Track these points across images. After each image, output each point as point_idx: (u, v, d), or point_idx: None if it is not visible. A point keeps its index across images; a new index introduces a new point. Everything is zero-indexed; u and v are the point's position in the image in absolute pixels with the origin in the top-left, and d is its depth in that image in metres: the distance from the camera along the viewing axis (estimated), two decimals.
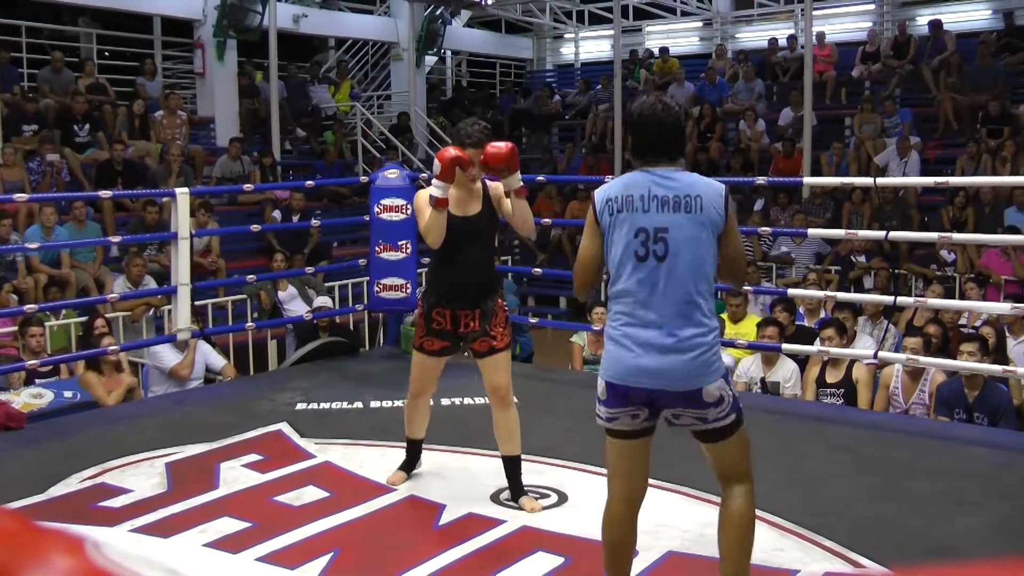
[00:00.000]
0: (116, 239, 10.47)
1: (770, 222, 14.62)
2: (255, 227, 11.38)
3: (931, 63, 17.72)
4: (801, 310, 10.37)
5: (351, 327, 11.08)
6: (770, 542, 4.01)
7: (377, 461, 6.30)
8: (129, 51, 20.29)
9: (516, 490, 5.65)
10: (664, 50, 21.68)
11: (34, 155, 13.69)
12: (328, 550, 4.91)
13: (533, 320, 10.62)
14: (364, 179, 10.51)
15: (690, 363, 3.84)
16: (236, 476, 6.09)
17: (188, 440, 6.78)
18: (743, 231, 6.64)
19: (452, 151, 5.27)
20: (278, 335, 11.68)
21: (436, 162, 5.28)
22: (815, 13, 17.46)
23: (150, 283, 11.49)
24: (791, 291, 9.57)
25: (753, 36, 23.04)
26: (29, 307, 8.62)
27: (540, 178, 13.49)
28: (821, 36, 18.85)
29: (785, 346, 8.57)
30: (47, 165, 13.48)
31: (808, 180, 13.69)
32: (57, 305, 10.17)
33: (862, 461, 6.37)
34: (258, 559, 4.83)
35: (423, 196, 5.50)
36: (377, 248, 9.12)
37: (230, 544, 5.02)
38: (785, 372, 8.81)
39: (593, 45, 25.67)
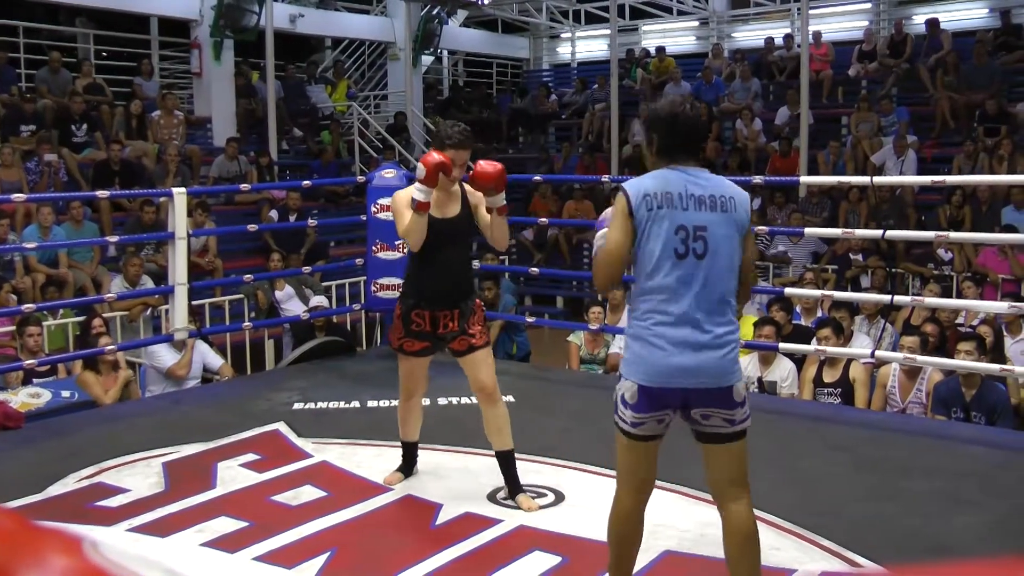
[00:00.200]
0: (113, 239, 10.46)
1: (767, 221, 14.62)
2: (252, 227, 11.37)
3: (927, 62, 17.72)
4: (798, 309, 10.37)
5: (348, 327, 11.09)
6: (767, 541, 4.01)
7: (374, 460, 6.30)
8: (126, 51, 20.28)
9: (513, 486, 5.65)
10: (660, 49, 21.68)
11: (32, 155, 13.68)
12: (325, 549, 4.91)
13: (530, 320, 10.61)
14: (361, 179, 10.52)
15: (723, 360, 3.85)
16: (233, 476, 6.10)
17: (185, 440, 6.78)
18: None
19: (436, 156, 5.28)
20: (275, 335, 11.68)
21: (420, 166, 5.28)
22: (811, 12, 17.50)
23: (147, 283, 11.49)
24: (788, 290, 9.57)
25: (749, 35, 23.03)
26: (27, 307, 8.61)
27: (537, 178, 13.48)
28: (817, 35, 18.85)
29: (782, 345, 8.57)
30: (45, 165, 13.47)
31: (805, 179, 13.72)
32: (55, 305, 10.17)
33: (859, 460, 6.37)
34: (255, 558, 4.84)
35: (402, 198, 5.51)
36: (374, 248, 9.13)
37: (227, 543, 5.02)
38: (782, 371, 8.81)
39: (589, 44, 25.65)
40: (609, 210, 4.18)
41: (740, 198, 3.98)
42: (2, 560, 1.03)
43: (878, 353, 7.98)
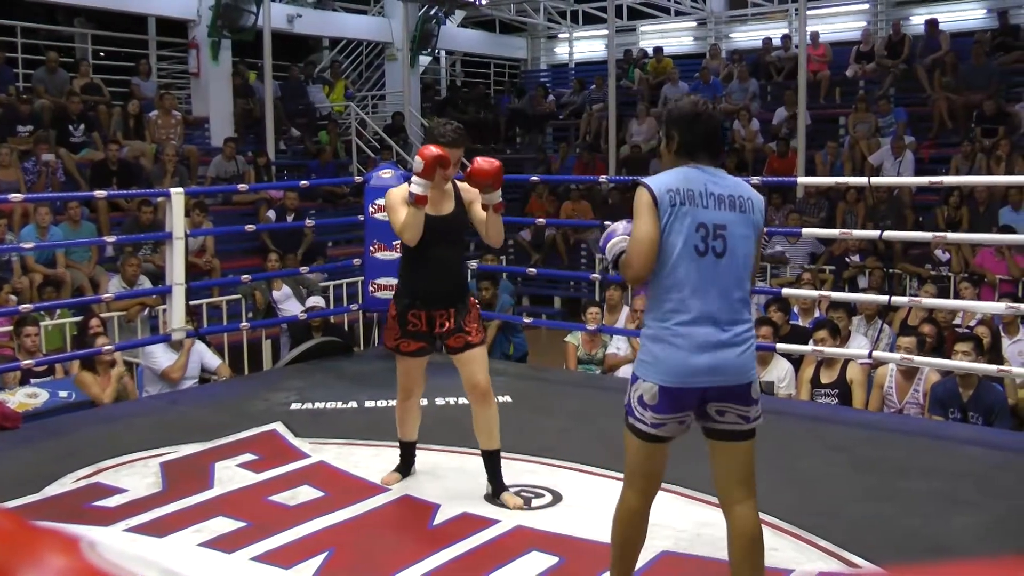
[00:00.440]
0: (111, 239, 10.46)
1: (764, 222, 14.59)
2: (250, 227, 11.36)
3: (925, 62, 17.73)
4: (796, 310, 10.37)
5: (346, 327, 11.08)
6: (765, 541, 4.01)
7: (371, 461, 6.30)
8: (124, 51, 20.27)
9: (497, 486, 5.66)
10: (658, 50, 21.71)
11: (29, 155, 13.68)
12: (322, 550, 4.91)
13: (527, 320, 10.61)
14: (358, 179, 10.52)
15: (741, 357, 3.87)
16: (231, 476, 6.09)
17: (183, 440, 6.77)
18: None
19: (434, 149, 5.24)
20: (273, 335, 11.68)
21: (417, 159, 5.24)
22: (809, 13, 17.49)
23: (145, 283, 11.47)
24: (786, 291, 9.58)
25: (747, 36, 23.05)
26: (24, 307, 8.60)
27: (534, 178, 13.49)
28: (815, 36, 18.87)
29: (779, 346, 8.57)
30: (42, 165, 13.47)
31: (802, 180, 13.73)
32: (52, 305, 10.15)
33: (857, 461, 6.38)
34: (253, 559, 4.83)
35: (397, 194, 5.49)
36: (372, 248, 9.13)
37: (225, 544, 5.02)
38: (779, 372, 8.82)
39: (587, 45, 25.68)
40: (617, 224, 4.18)
41: (757, 200, 4.02)
42: (0, 560, 1.03)
43: (875, 354, 7.98)
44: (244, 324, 9.87)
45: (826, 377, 8.63)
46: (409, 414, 5.95)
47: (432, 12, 21.03)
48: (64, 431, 7.21)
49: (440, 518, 5.39)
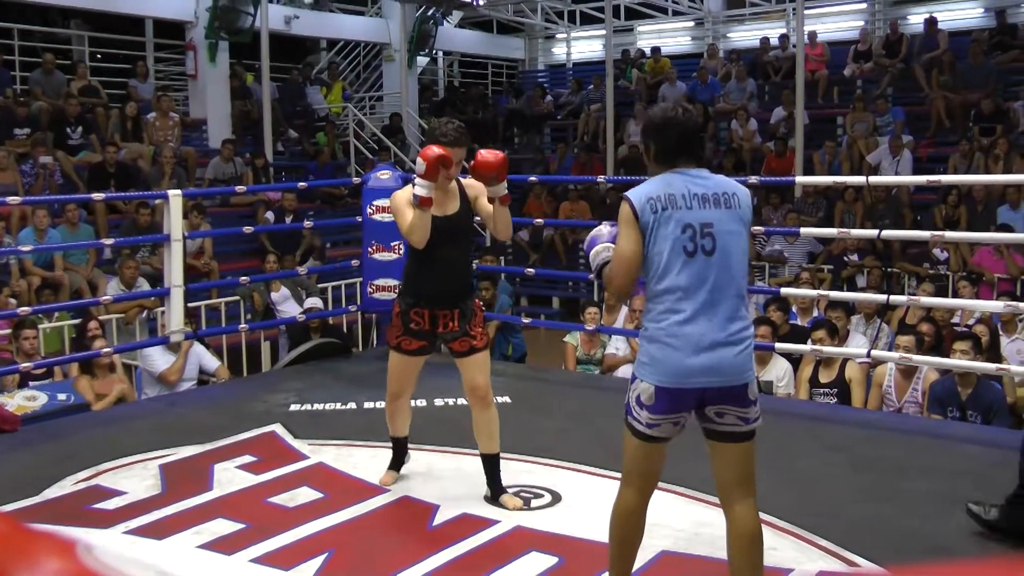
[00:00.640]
0: (109, 241, 10.44)
1: (763, 221, 14.61)
2: (248, 228, 11.37)
3: (921, 60, 17.73)
4: (794, 309, 10.37)
5: (344, 328, 11.08)
6: (765, 541, 4.01)
7: (370, 462, 6.29)
8: (121, 53, 20.28)
9: (496, 488, 5.66)
10: (656, 50, 21.71)
11: (27, 158, 13.68)
12: (322, 551, 4.91)
13: (526, 320, 10.60)
14: (356, 180, 10.52)
15: (739, 356, 3.87)
16: (230, 478, 6.09)
17: (182, 442, 6.77)
18: None
19: (436, 149, 5.20)
20: (271, 336, 11.68)
21: (419, 161, 5.20)
22: (807, 12, 17.51)
23: (143, 285, 11.47)
24: (784, 290, 9.57)
25: (745, 35, 23.06)
26: (22, 309, 8.60)
27: (532, 178, 13.48)
28: (813, 35, 18.88)
29: (778, 345, 8.57)
30: (40, 168, 13.47)
31: (800, 179, 13.73)
32: (50, 308, 10.14)
33: (856, 460, 6.38)
34: (252, 560, 4.83)
35: (401, 197, 5.46)
36: (370, 249, 9.14)
37: (224, 545, 5.02)
38: (778, 371, 8.82)
39: (585, 45, 25.69)
40: (602, 227, 4.20)
41: (742, 194, 4.03)
42: None
43: (874, 353, 7.98)
44: (243, 326, 9.87)
45: (825, 376, 8.63)
46: (400, 412, 5.92)
47: (429, 13, 21.03)
48: (63, 434, 7.20)
49: (439, 519, 5.39)
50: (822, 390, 8.60)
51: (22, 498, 5.70)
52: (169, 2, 17.40)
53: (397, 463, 6.03)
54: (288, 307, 11.92)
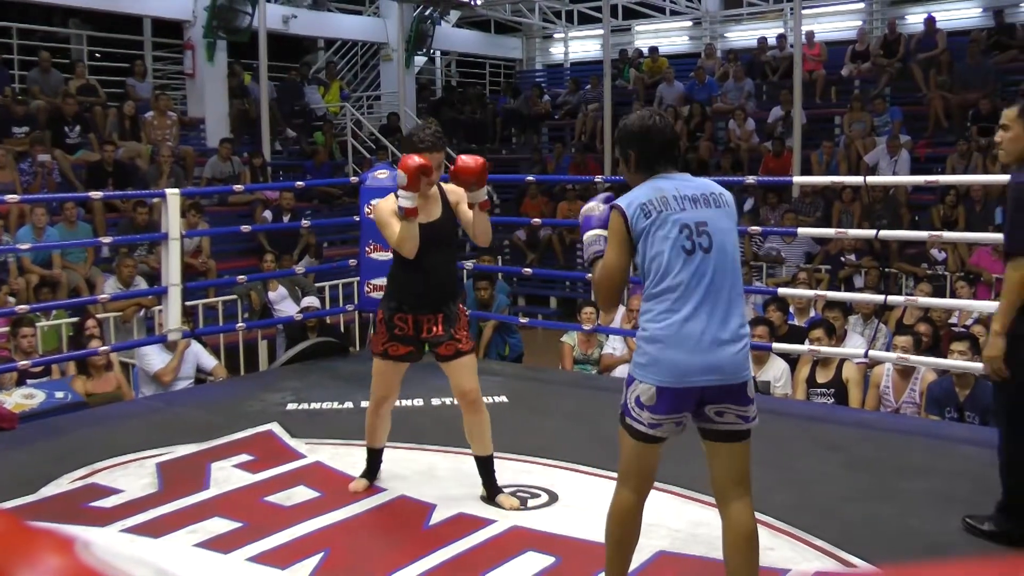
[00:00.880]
0: (107, 240, 10.44)
1: (760, 221, 14.60)
2: (245, 228, 11.37)
3: (918, 58, 17.74)
4: (791, 309, 10.37)
5: (341, 327, 11.08)
6: (761, 541, 4.01)
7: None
8: (119, 52, 20.27)
9: (492, 489, 5.66)
10: (653, 49, 21.71)
11: (25, 156, 13.69)
12: (318, 550, 4.91)
13: (523, 320, 10.60)
14: (354, 179, 10.52)
15: (738, 355, 3.87)
16: (227, 476, 6.09)
17: (179, 440, 6.78)
18: None
19: (415, 159, 5.18)
20: (268, 335, 11.68)
21: (400, 173, 5.18)
22: (804, 12, 17.49)
23: (141, 284, 11.49)
24: (781, 290, 9.57)
25: (742, 35, 23.05)
26: (21, 308, 8.59)
27: (530, 178, 13.49)
28: (810, 35, 18.89)
29: (775, 345, 8.57)
30: (38, 166, 13.48)
31: (798, 179, 13.73)
32: (48, 306, 10.15)
33: (853, 460, 6.38)
34: (249, 559, 4.83)
35: (385, 208, 5.44)
36: (367, 248, 9.14)
37: (221, 544, 5.02)
38: (775, 371, 8.82)
39: (582, 45, 25.69)
40: (592, 203, 4.21)
41: (727, 195, 4.06)
42: None
43: (871, 353, 7.98)
44: (240, 325, 9.86)
45: (822, 377, 8.64)
46: (382, 421, 5.88)
47: (427, 12, 21.04)
48: (60, 432, 7.21)
49: (436, 518, 5.39)
50: (819, 390, 8.61)
51: (19, 496, 5.71)
52: (167, 1, 17.40)
53: (371, 473, 5.99)
54: (285, 306, 11.92)
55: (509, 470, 5.99)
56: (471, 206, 5.47)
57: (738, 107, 18.47)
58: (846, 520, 5.29)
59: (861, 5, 21.48)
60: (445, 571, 4.72)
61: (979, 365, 7.63)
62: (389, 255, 8.77)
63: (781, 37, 20.28)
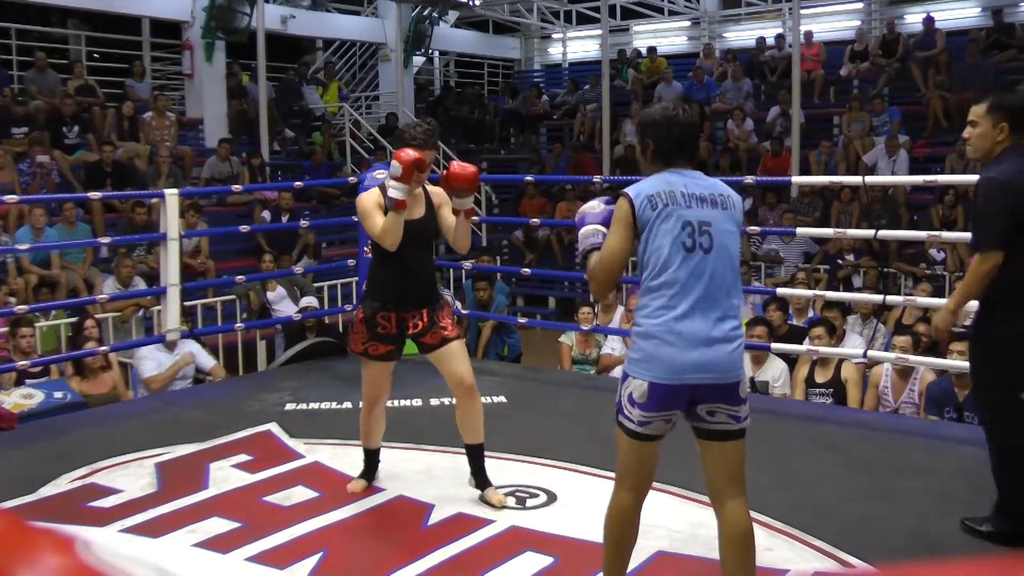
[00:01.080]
0: (106, 240, 10.43)
1: (759, 221, 14.62)
2: (244, 228, 11.36)
3: (917, 57, 17.74)
4: (790, 309, 10.37)
5: (340, 327, 11.08)
6: (760, 541, 4.01)
7: None
8: (118, 53, 20.27)
9: (481, 480, 5.66)
10: (652, 49, 21.72)
11: (24, 157, 13.69)
12: (317, 550, 4.91)
13: (522, 320, 10.60)
14: (352, 180, 10.52)
15: (732, 354, 3.88)
16: (225, 476, 6.09)
17: (178, 440, 6.78)
18: None
19: (411, 152, 5.17)
20: (267, 335, 11.67)
21: (395, 164, 5.16)
22: (803, 12, 17.51)
23: (140, 284, 11.50)
24: (780, 290, 9.57)
25: (741, 35, 23.07)
26: (19, 308, 8.59)
27: (528, 178, 13.49)
28: (809, 35, 18.90)
29: (774, 345, 8.57)
30: (37, 167, 13.48)
31: (796, 179, 13.72)
32: (47, 306, 10.16)
33: (852, 460, 6.38)
34: (247, 559, 4.83)
35: (369, 200, 5.44)
36: (366, 248, 9.12)
37: (220, 544, 5.02)
38: (774, 371, 8.82)
39: (581, 45, 25.70)
40: (592, 202, 4.22)
41: (736, 198, 4.06)
42: None
43: (870, 353, 7.98)
44: (239, 325, 9.86)
45: (821, 376, 8.64)
46: (376, 423, 5.89)
47: (425, 13, 21.04)
48: (59, 432, 7.20)
49: (434, 518, 5.40)
50: (818, 390, 8.61)
51: (19, 496, 5.70)
52: (166, 2, 17.40)
53: (369, 474, 5.99)
54: (284, 306, 11.92)
55: (508, 470, 6.00)
56: (456, 212, 5.47)
57: (736, 107, 18.48)
58: (845, 520, 5.29)
59: (860, 5, 21.50)
60: (443, 571, 4.73)
61: None
62: None
63: (780, 37, 20.31)
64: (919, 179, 9.99)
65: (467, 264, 10.29)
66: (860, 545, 4.92)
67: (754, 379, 8.76)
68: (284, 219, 14.54)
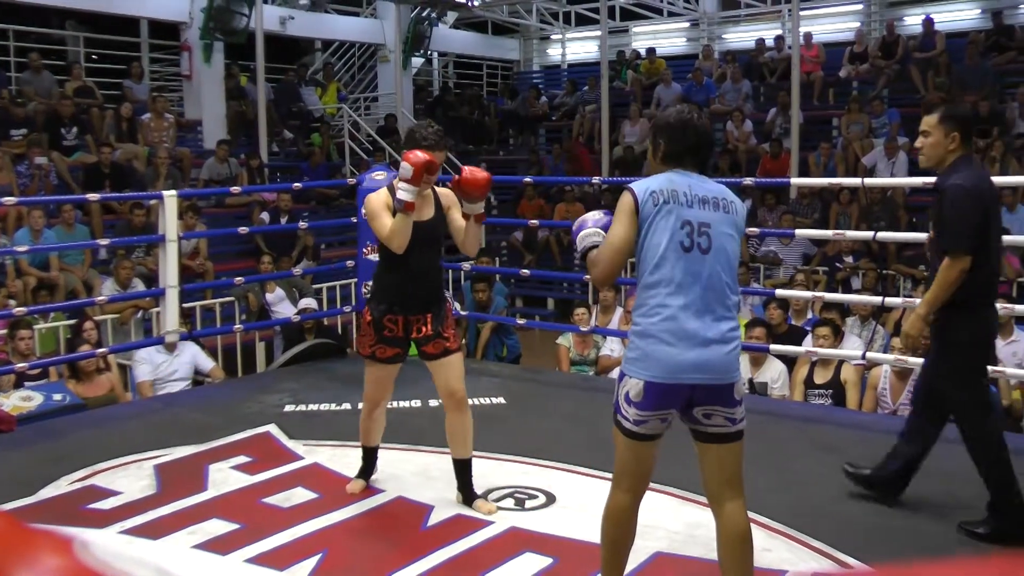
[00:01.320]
0: (104, 242, 10.44)
1: (758, 223, 14.62)
2: (243, 229, 11.36)
3: (915, 57, 17.75)
4: (789, 312, 10.37)
5: (339, 329, 11.08)
6: (758, 542, 4.01)
7: None
8: (116, 54, 20.26)
9: (468, 494, 5.64)
10: (651, 51, 21.74)
11: (22, 159, 13.69)
12: (316, 551, 4.92)
13: (521, 321, 10.60)
14: (351, 181, 10.52)
15: (728, 356, 3.89)
16: (225, 478, 6.09)
17: (177, 442, 6.78)
18: None
19: (422, 154, 5.15)
20: (266, 337, 11.67)
21: (405, 165, 5.13)
22: (802, 13, 17.51)
23: (138, 285, 11.50)
24: (779, 292, 9.57)
25: (740, 36, 23.08)
26: (18, 310, 8.59)
27: (527, 180, 13.49)
28: (808, 36, 18.91)
29: (772, 347, 8.57)
30: (35, 168, 13.48)
31: (796, 181, 13.70)
32: (46, 308, 10.16)
33: (850, 462, 6.37)
34: (247, 560, 4.84)
35: (377, 200, 5.39)
36: (365, 250, 9.14)
37: (219, 545, 5.02)
38: (773, 373, 8.82)
39: (580, 46, 25.71)
40: (591, 214, 4.23)
41: (739, 204, 4.08)
42: None
43: (869, 355, 7.99)
44: (237, 326, 9.87)
45: (820, 378, 8.64)
46: (376, 424, 5.89)
47: (424, 14, 21.04)
48: (58, 434, 7.20)
49: (433, 520, 5.40)
50: (817, 392, 8.61)
51: (18, 498, 5.70)
52: (164, 3, 17.40)
53: (367, 472, 5.99)
54: (283, 308, 11.93)
55: (506, 471, 6.01)
56: (467, 216, 5.46)
57: (736, 108, 18.50)
58: (843, 521, 5.30)
59: (859, 6, 21.50)
60: (443, 572, 4.73)
61: None
62: None
63: (779, 38, 20.33)
64: (918, 181, 9.93)
65: (466, 265, 10.29)
66: (858, 546, 4.93)
67: (753, 380, 8.76)
68: (283, 220, 14.53)
